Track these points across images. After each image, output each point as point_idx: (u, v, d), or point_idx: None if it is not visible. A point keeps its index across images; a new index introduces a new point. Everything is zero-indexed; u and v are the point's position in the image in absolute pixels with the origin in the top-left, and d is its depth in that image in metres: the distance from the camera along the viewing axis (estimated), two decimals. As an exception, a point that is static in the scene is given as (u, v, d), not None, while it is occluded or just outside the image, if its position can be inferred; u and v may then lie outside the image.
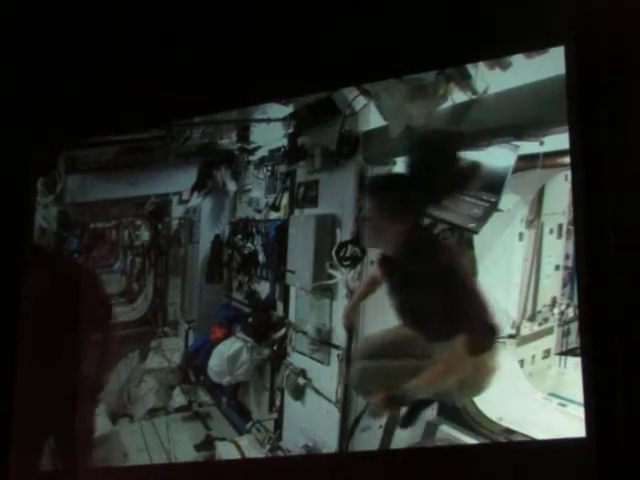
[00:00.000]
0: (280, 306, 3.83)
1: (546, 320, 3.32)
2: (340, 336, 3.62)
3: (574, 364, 3.16)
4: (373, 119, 3.65)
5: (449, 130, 3.51)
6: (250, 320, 3.89)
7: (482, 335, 3.36)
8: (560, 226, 3.34)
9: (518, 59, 3.36)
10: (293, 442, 3.67)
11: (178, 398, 3.99)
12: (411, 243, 3.51)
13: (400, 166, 3.57)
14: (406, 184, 3.59)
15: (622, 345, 2.98)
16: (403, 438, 3.43)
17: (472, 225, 3.38)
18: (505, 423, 3.25)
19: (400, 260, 3.53)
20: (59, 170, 4.32)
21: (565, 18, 3.24)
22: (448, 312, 3.44)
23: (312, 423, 3.64)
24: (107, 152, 4.29)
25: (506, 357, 3.33)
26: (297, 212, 3.82)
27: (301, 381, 3.69)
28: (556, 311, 3.29)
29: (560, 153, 3.24)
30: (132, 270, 4.30)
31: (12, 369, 4.05)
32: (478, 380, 3.35)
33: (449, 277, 3.45)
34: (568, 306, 3.26)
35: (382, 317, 3.53)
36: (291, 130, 3.87)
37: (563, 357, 3.27)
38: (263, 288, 3.91)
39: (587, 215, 3.11)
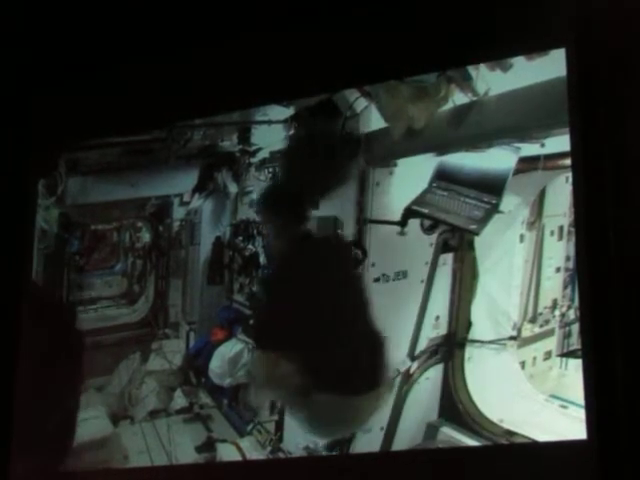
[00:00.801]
0: (281, 308, 3.83)
1: (547, 322, 3.32)
2: (341, 338, 3.62)
3: (575, 366, 3.16)
4: (374, 121, 3.65)
5: (324, 131, 3.66)
6: (251, 322, 3.89)
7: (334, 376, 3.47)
8: (561, 228, 3.34)
9: (519, 61, 3.36)
10: (294, 444, 3.66)
11: (179, 400, 3.98)
12: (283, 247, 3.70)
13: (401, 167, 3.58)
14: (277, 188, 3.78)
15: (623, 347, 2.98)
16: (404, 440, 3.43)
17: (473, 227, 3.38)
18: (506, 425, 3.25)
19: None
20: (60, 172, 4.32)
21: (566, 20, 3.25)
22: (279, 325, 3.62)
23: (313, 425, 3.65)
24: (108, 154, 4.29)
25: (507, 359, 3.33)
26: (298, 214, 3.83)
27: (302, 383, 3.69)
28: (557, 313, 3.29)
29: (561, 155, 3.25)
30: (133, 272, 4.29)
31: (12, 372, 4.07)
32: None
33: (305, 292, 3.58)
34: (569, 308, 3.26)
35: (383, 318, 3.54)
36: (292, 132, 3.87)
37: (564, 359, 3.27)
38: (264, 290, 3.92)
39: (588, 217, 3.11)
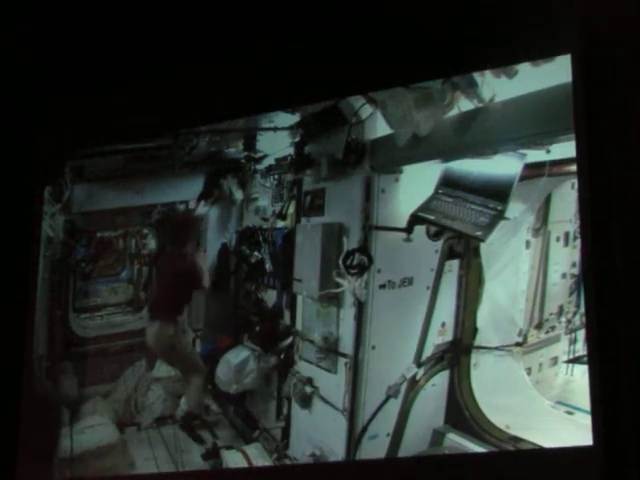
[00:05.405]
0: (287, 314, 3.83)
1: (553, 328, 3.32)
2: (347, 344, 3.62)
3: (581, 372, 3.16)
4: (380, 127, 3.65)
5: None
6: (257, 329, 3.90)
7: None
8: (567, 234, 3.34)
9: (524, 67, 3.36)
10: (300, 450, 3.67)
11: (185, 407, 3.99)
12: None
13: (407, 174, 3.58)
14: None
15: (629, 353, 2.98)
16: (410, 446, 3.43)
17: (479, 233, 3.38)
18: (512, 431, 3.25)
19: None
20: (66, 179, 4.33)
21: (571, 26, 3.25)
22: None
23: (319, 431, 3.64)
24: (114, 161, 4.30)
25: (513, 365, 3.33)
26: (304, 221, 3.82)
27: (308, 389, 3.69)
28: (563, 319, 3.29)
29: (566, 161, 3.25)
30: (139, 279, 4.30)
31: (18, 376, 4.08)
32: None
33: None
34: (575, 314, 3.26)
35: (389, 324, 3.54)
36: (298, 139, 3.87)
37: (570, 365, 3.27)
38: (270, 296, 3.91)
39: (593, 223, 3.11)
